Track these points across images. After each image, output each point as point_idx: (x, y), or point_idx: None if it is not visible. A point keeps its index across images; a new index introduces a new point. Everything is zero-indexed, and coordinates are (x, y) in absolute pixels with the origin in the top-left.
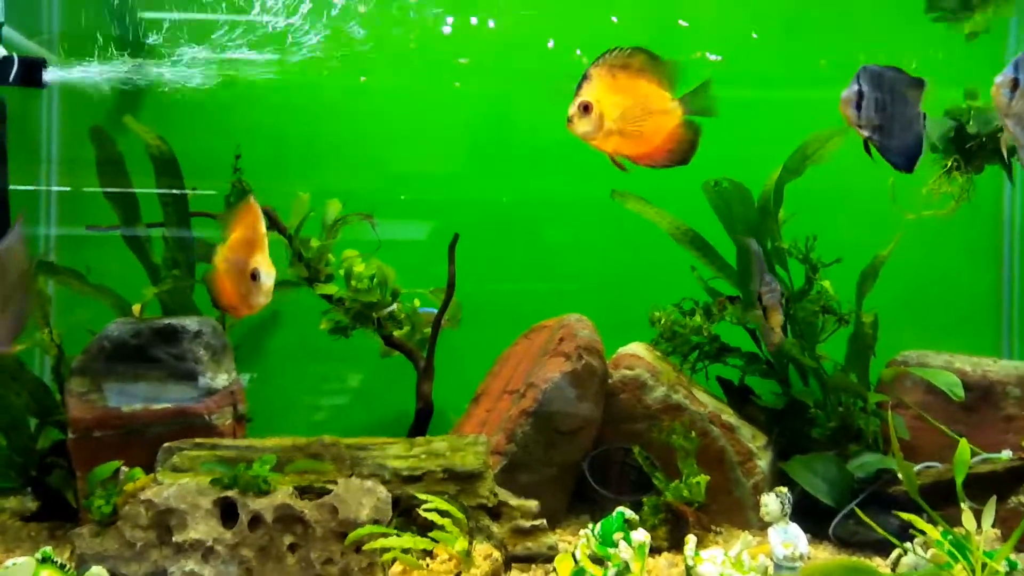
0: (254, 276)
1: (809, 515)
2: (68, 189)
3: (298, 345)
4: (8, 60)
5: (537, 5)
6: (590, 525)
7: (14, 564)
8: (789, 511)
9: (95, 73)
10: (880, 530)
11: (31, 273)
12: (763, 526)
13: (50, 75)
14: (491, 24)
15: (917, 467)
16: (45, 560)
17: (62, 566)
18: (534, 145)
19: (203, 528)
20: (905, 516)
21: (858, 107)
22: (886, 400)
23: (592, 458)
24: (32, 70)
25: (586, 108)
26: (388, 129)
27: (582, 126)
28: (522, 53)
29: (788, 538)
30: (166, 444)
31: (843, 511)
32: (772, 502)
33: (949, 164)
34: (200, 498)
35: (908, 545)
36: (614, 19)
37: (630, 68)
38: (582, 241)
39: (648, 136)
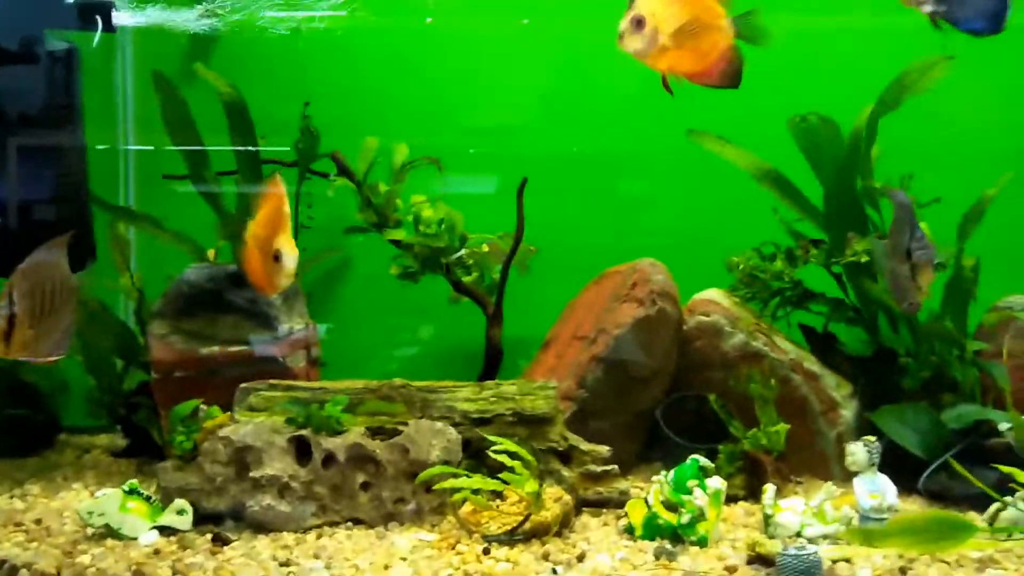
0: (276, 257)
1: (898, 468)
2: (147, 148)
3: (368, 292)
4: (86, 6)
5: None
6: (663, 472)
7: (104, 494)
8: (877, 461)
9: (165, 18)
10: (978, 483)
11: (74, 287)
12: (847, 478)
13: (121, 19)
14: None
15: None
16: (132, 492)
17: (148, 498)
18: (608, 92)
19: (279, 465)
20: (1006, 469)
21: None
22: (985, 348)
23: (666, 406)
24: (102, 13)
25: (639, 23)
26: (457, 78)
27: (634, 43)
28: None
29: (875, 488)
30: (243, 384)
31: (936, 463)
32: (859, 451)
33: None
34: (275, 436)
35: (1009, 499)
36: None
37: None
38: (655, 189)
39: (703, 53)
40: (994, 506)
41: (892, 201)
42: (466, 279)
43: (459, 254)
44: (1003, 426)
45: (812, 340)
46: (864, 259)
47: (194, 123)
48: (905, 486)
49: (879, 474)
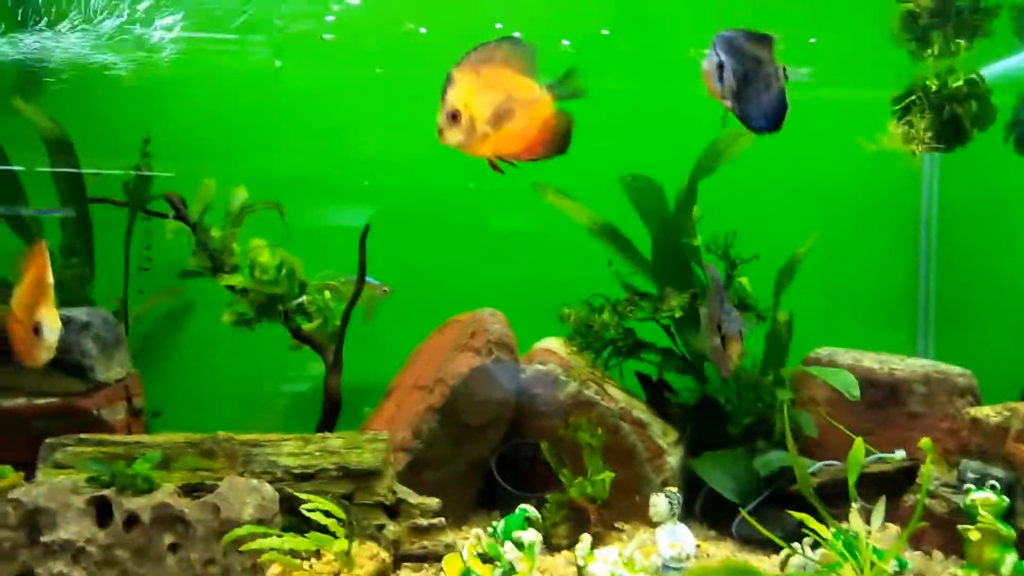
0: (36, 330)
1: (719, 512)
2: None
3: (210, 335)
4: None
5: None
6: (495, 523)
7: None
8: (678, 511)
9: None
10: (764, 530)
11: None
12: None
13: None
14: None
15: (817, 465)
16: None
17: None
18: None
19: (74, 528)
20: (797, 515)
21: (720, 78)
22: (792, 398)
23: (502, 454)
24: None
25: (454, 116)
26: (307, 118)
27: (454, 136)
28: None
29: (675, 538)
30: (48, 440)
31: (746, 509)
32: (660, 502)
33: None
34: (73, 497)
35: (796, 546)
36: None
37: (494, 61)
38: (520, 232)
39: (523, 130)
40: (784, 552)
41: (706, 275)
42: (307, 326)
43: (299, 300)
44: (899, 453)
45: (648, 388)
46: (679, 313)
47: (5, 157)
48: (724, 530)
49: (679, 524)
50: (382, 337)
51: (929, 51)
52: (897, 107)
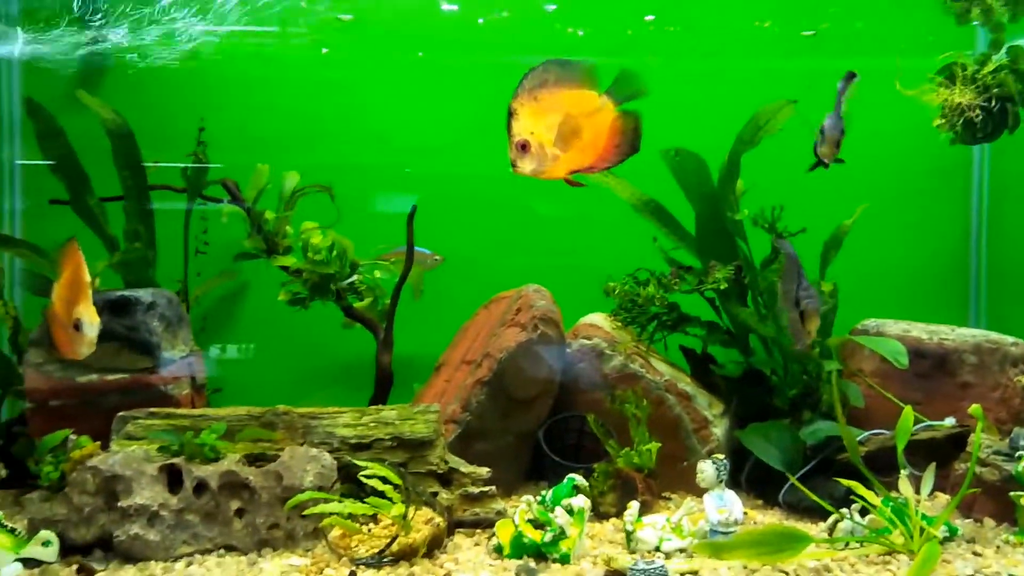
0: (77, 326)
1: (765, 482)
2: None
3: (266, 315)
4: None
5: None
6: (543, 492)
7: None
8: (725, 477)
9: (53, 47)
10: (813, 496)
11: None
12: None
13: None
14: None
15: (865, 434)
16: None
17: (12, 530)
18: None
19: (148, 494)
20: (846, 483)
21: (838, 144)
22: (840, 368)
23: (549, 426)
24: None
25: (524, 147)
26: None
27: (528, 165)
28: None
29: (723, 504)
30: (121, 413)
31: (794, 478)
32: (708, 468)
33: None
34: (146, 465)
35: (845, 511)
36: None
37: (548, 84)
38: (565, 213)
39: (592, 142)
40: (832, 517)
41: (781, 252)
42: (358, 304)
43: (350, 280)
44: (949, 421)
45: (692, 362)
46: (723, 286)
47: (71, 149)
48: (771, 498)
49: (727, 490)
50: (431, 315)
51: (977, 11)
52: (937, 79)
